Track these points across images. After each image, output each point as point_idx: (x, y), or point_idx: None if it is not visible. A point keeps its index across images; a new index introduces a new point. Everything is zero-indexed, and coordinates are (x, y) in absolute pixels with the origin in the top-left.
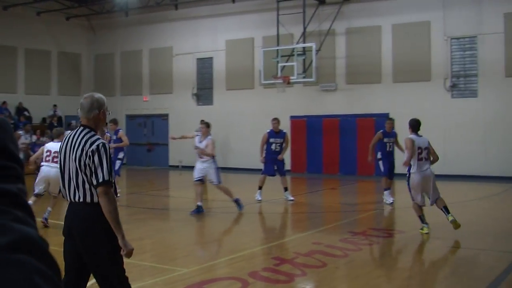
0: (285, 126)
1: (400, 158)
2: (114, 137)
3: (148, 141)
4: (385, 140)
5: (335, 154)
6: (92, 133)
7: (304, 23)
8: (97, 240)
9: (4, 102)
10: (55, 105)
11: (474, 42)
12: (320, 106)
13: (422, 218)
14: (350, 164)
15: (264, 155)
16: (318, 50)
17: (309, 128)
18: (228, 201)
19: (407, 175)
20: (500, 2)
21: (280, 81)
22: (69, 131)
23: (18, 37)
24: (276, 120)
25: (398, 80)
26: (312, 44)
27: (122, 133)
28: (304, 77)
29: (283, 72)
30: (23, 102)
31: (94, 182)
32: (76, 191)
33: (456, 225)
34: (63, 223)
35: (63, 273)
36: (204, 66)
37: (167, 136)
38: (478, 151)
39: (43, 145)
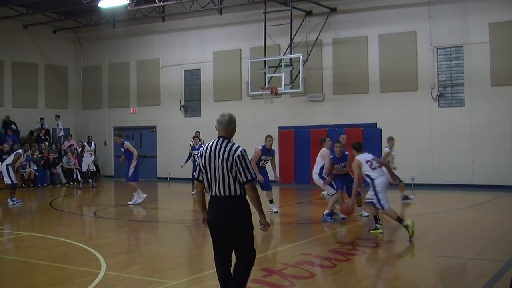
0: (273, 136)
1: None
2: (123, 150)
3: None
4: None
5: None
6: (232, 142)
7: (291, 34)
8: (239, 222)
9: None
10: (42, 118)
11: (460, 52)
12: (308, 117)
13: (378, 219)
14: None
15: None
16: (305, 61)
17: (297, 138)
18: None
19: (371, 183)
20: (485, 12)
21: (268, 92)
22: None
23: (5, 50)
24: (271, 138)
25: (385, 90)
26: (299, 55)
27: (128, 144)
28: (291, 88)
29: (270, 83)
30: (10, 115)
31: (243, 180)
32: (223, 187)
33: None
34: None
35: None
36: (192, 77)
37: (155, 148)
38: (465, 160)
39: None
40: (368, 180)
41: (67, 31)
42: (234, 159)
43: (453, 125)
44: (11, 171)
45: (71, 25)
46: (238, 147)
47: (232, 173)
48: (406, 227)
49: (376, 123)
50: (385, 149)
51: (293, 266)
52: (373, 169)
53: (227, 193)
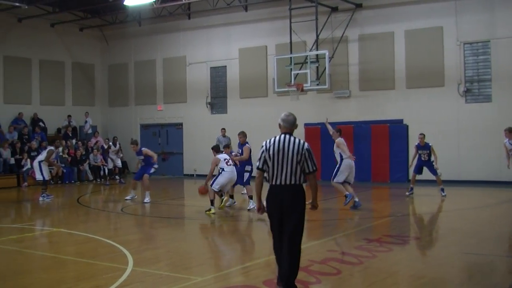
0: (299, 133)
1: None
2: (142, 157)
3: (163, 150)
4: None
5: None
6: (297, 138)
7: (317, 30)
8: (299, 206)
9: (20, 113)
10: (69, 116)
11: (487, 47)
12: (334, 113)
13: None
14: (364, 171)
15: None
16: (331, 57)
17: (323, 135)
18: (243, 210)
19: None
20: None
21: (294, 88)
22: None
23: (32, 49)
24: (241, 134)
25: (412, 86)
26: (325, 51)
27: (146, 150)
28: (317, 84)
29: (296, 79)
30: (38, 113)
31: (310, 170)
32: (290, 176)
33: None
34: None
35: None
36: (218, 74)
37: (182, 145)
38: (492, 156)
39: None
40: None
41: (93, 29)
42: (303, 152)
43: (480, 121)
44: (43, 168)
45: (97, 23)
46: (304, 142)
47: (300, 164)
48: None
49: (403, 119)
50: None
51: (319, 262)
52: None
53: (292, 182)
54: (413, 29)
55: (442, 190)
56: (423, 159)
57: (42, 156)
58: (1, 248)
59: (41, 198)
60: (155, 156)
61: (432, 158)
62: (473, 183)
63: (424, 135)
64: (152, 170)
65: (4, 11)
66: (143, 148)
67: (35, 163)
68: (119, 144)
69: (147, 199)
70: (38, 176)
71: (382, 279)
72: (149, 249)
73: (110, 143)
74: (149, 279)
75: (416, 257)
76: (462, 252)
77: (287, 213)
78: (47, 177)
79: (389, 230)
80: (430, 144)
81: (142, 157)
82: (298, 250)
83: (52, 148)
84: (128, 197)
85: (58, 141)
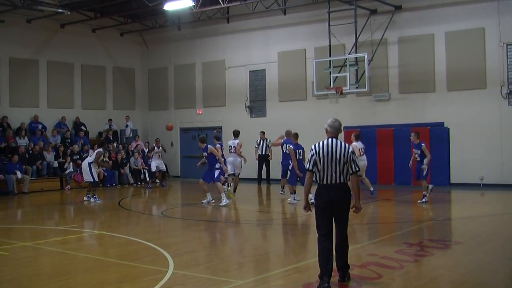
0: (339, 136)
1: None
2: (205, 154)
3: (202, 153)
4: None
5: (390, 164)
6: (342, 142)
7: (356, 33)
8: (347, 202)
9: (63, 117)
10: (110, 119)
11: None
12: (373, 116)
13: None
14: (405, 174)
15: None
16: (370, 60)
17: (363, 138)
18: (282, 213)
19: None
20: None
21: (333, 91)
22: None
23: (74, 54)
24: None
25: (453, 88)
26: (364, 54)
27: (211, 147)
28: (357, 87)
29: (335, 82)
30: (80, 117)
31: (353, 170)
32: (339, 176)
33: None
34: None
35: None
36: (257, 78)
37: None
38: None
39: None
40: None
41: (133, 34)
42: (349, 154)
43: None
44: (93, 169)
45: (137, 28)
46: (349, 145)
47: (346, 165)
48: None
49: (443, 122)
50: None
51: (360, 266)
52: None
53: (342, 181)
54: (453, 30)
55: (424, 196)
56: (417, 159)
57: (91, 157)
58: (46, 249)
59: (86, 198)
60: (217, 153)
61: (425, 161)
62: None
63: (415, 133)
64: (217, 174)
65: (47, 18)
66: (209, 146)
67: (84, 165)
68: (162, 146)
69: (223, 201)
70: (87, 178)
71: (424, 284)
72: (189, 252)
73: (154, 145)
74: (189, 281)
75: (458, 262)
76: (507, 257)
77: (338, 208)
78: (96, 178)
79: (430, 234)
80: (422, 144)
81: (206, 154)
82: (347, 237)
83: (101, 150)
84: (204, 201)
85: (106, 143)
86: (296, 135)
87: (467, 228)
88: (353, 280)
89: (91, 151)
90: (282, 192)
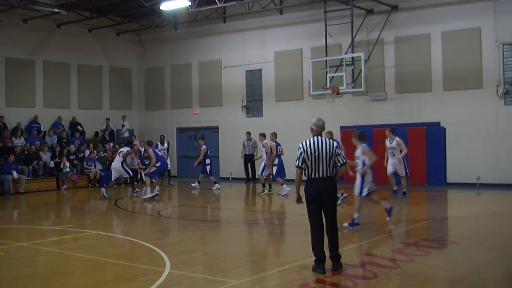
0: (336, 136)
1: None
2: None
3: (199, 153)
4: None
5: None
6: (327, 138)
7: (352, 33)
8: (334, 194)
9: (59, 117)
10: (107, 119)
11: None
12: (370, 116)
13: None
14: None
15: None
16: (367, 60)
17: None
18: (277, 213)
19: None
20: None
21: (329, 91)
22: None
23: (71, 54)
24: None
25: (449, 88)
26: (360, 54)
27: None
28: (353, 87)
29: (332, 82)
30: (76, 117)
31: (342, 162)
32: (327, 170)
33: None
34: None
35: None
36: (253, 78)
37: (217, 148)
38: None
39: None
40: None
41: (130, 34)
42: (335, 149)
43: None
44: (125, 167)
45: (134, 27)
46: (333, 141)
47: (332, 159)
48: None
49: (440, 122)
50: None
51: (356, 266)
52: None
53: (329, 174)
54: (450, 30)
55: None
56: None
57: (120, 158)
58: (42, 249)
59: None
60: (203, 152)
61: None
62: None
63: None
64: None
65: (44, 18)
66: (204, 146)
67: (117, 166)
68: (167, 143)
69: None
70: (125, 175)
71: (420, 283)
72: (186, 252)
73: (158, 142)
74: (186, 281)
75: (455, 261)
76: (505, 257)
77: (327, 200)
78: (131, 172)
79: (427, 234)
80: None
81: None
82: (337, 227)
83: (129, 149)
84: (281, 193)
85: (133, 144)
86: (275, 134)
87: (464, 228)
88: (349, 280)
89: (118, 155)
90: (279, 194)
